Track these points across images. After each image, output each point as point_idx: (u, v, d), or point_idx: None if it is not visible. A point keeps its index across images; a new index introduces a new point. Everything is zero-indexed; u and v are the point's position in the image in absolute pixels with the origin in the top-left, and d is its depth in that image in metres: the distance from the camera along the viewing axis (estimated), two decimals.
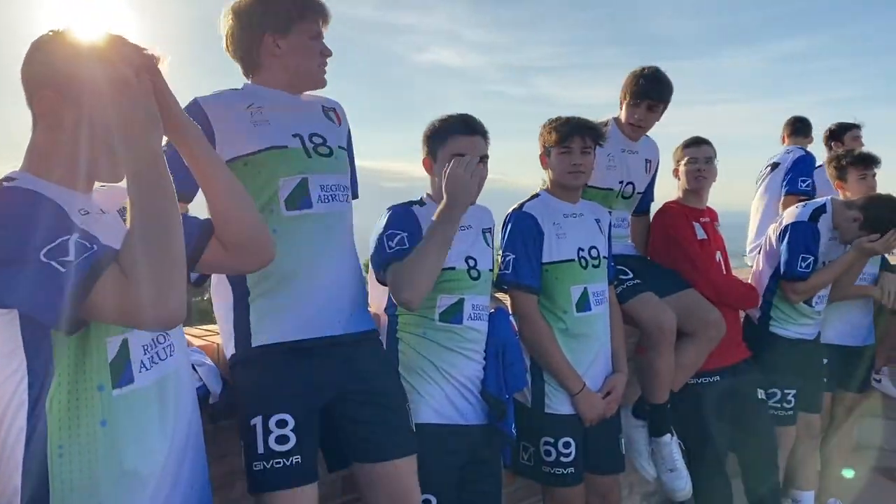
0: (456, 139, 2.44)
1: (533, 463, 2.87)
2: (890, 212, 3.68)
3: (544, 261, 2.85)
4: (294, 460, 2.05)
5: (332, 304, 2.17)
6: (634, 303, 3.20)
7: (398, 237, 2.36)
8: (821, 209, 3.79)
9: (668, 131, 3.68)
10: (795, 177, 5.15)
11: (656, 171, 3.73)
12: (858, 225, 3.69)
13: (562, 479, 2.83)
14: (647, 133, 3.57)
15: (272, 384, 2.09)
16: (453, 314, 2.46)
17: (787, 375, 3.79)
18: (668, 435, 3.26)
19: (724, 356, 3.52)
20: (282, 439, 2.05)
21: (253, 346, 2.11)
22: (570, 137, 2.86)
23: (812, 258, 3.65)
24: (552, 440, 2.82)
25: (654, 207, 3.77)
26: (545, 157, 2.96)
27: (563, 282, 2.85)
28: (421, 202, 2.54)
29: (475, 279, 2.51)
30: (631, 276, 3.26)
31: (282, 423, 2.05)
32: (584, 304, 2.87)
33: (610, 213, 3.42)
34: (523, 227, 2.84)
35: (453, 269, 2.45)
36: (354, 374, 2.19)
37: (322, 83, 2.26)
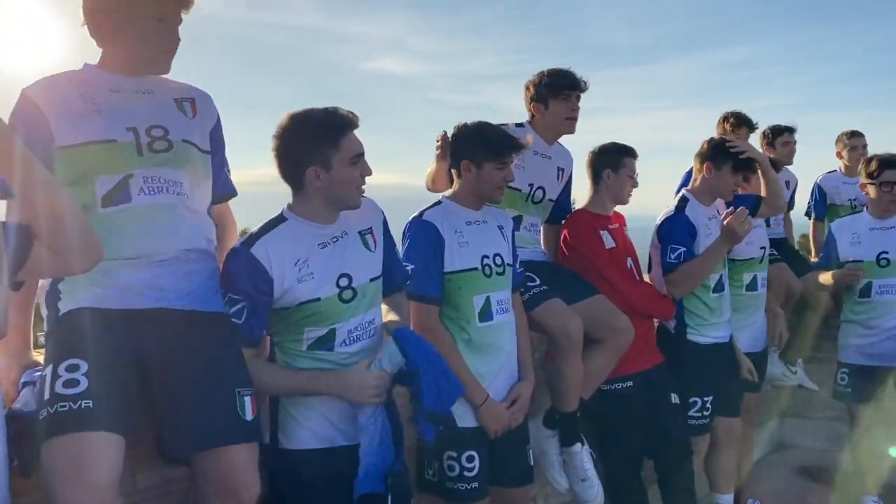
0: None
1: (437, 479, 2.78)
2: (717, 144, 3.82)
3: (446, 270, 2.77)
4: (84, 404, 1.80)
5: (151, 280, 2.07)
6: (541, 310, 3.15)
7: None
8: (683, 199, 3.82)
9: (615, 137, 3.67)
10: None
11: (570, 180, 3.71)
12: (726, 172, 3.74)
13: (466, 495, 2.74)
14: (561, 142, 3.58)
15: (70, 338, 1.96)
16: (323, 343, 2.33)
17: (706, 382, 3.78)
18: (579, 444, 3.22)
19: (638, 361, 3.50)
20: (70, 383, 1.84)
21: (60, 314, 2.02)
22: (508, 155, 2.81)
23: (682, 248, 3.63)
24: (455, 454, 2.74)
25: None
26: (469, 165, 2.82)
27: (466, 291, 2.78)
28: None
29: (348, 301, 2.34)
30: (538, 282, 3.22)
31: (73, 368, 1.87)
32: (486, 313, 2.80)
33: (521, 217, 3.38)
34: (423, 236, 2.76)
35: (318, 300, 2.28)
36: (168, 346, 2.06)
37: (164, 68, 2.22)
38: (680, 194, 3.89)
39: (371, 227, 2.46)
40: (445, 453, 2.74)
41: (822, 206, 5.85)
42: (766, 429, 5.65)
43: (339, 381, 2.25)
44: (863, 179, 4.22)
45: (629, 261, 3.65)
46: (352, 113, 2.26)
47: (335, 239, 2.34)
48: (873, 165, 4.13)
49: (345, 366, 2.31)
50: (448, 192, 2.93)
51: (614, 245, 3.57)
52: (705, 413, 3.79)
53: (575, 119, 3.45)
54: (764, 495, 4.61)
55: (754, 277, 4.11)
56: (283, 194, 2.37)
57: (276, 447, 2.32)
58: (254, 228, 2.33)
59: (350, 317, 2.34)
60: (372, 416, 2.26)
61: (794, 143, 5.43)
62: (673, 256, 3.65)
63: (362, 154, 2.28)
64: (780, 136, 5.40)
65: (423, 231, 2.77)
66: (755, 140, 5.48)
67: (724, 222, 3.57)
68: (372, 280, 2.42)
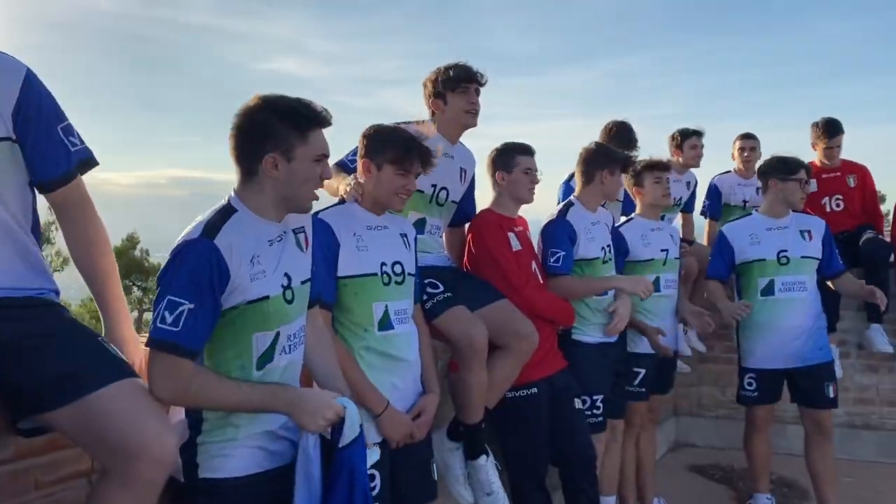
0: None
1: None
2: (598, 150, 3.87)
3: (342, 274, 2.58)
4: None
5: None
6: (445, 317, 3.02)
7: None
8: (568, 204, 3.83)
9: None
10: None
11: (472, 183, 3.60)
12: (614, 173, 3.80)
13: None
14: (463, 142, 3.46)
15: None
16: (270, 354, 2.12)
17: (593, 381, 3.76)
18: (484, 456, 3.10)
19: (542, 366, 3.43)
20: None
21: None
22: (410, 161, 2.65)
23: (561, 252, 3.63)
24: None
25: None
26: (370, 166, 2.66)
27: (364, 298, 2.61)
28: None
29: (290, 302, 2.15)
30: (442, 288, 3.08)
31: None
32: (386, 322, 2.64)
33: (424, 220, 3.24)
34: (315, 236, 2.56)
35: (268, 298, 2.06)
36: None
37: None
38: (566, 201, 3.89)
39: (304, 227, 2.27)
40: None
41: (718, 205, 5.96)
42: (662, 428, 5.74)
43: (296, 399, 2.02)
44: (762, 179, 4.29)
45: (533, 264, 3.57)
46: (326, 110, 2.10)
47: (279, 237, 2.14)
48: (778, 163, 4.22)
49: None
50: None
51: (520, 248, 3.49)
52: (596, 412, 3.77)
53: (475, 112, 3.32)
54: (661, 496, 4.64)
55: (656, 279, 4.11)
56: (181, 198, 2.12)
57: (196, 479, 2.03)
58: (201, 216, 2.05)
59: (292, 319, 2.15)
60: (315, 447, 2.04)
61: (702, 146, 5.56)
62: (552, 260, 3.64)
63: (328, 156, 2.12)
64: (688, 139, 5.53)
65: (315, 230, 2.57)
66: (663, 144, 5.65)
67: (634, 282, 3.70)
68: (303, 283, 2.22)
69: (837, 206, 5.59)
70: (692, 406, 6.02)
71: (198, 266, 1.93)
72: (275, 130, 2.03)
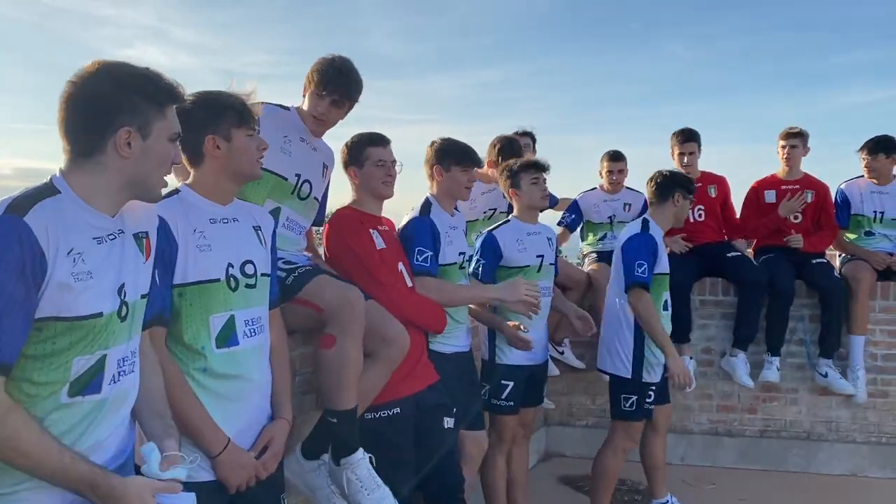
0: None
1: None
2: (441, 146, 3.61)
3: (177, 281, 2.13)
4: None
5: None
6: (313, 286, 2.68)
7: None
8: (426, 203, 3.59)
9: None
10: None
11: (328, 184, 3.27)
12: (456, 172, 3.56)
13: None
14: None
15: None
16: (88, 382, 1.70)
17: (449, 393, 3.45)
18: (361, 450, 2.74)
19: (408, 382, 3.10)
20: None
21: None
22: (253, 117, 2.30)
23: (429, 252, 3.38)
24: None
25: None
26: (216, 140, 2.23)
27: (201, 308, 2.17)
28: None
29: (124, 318, 1.76)
30: (300, 264, 2.79)
31: None
32: (228, 336, 2.20)
33: (279, 210, 2.87)
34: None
35: (101, 315, 1.68)
36: None
37: None
38: (424, 200, 3.62)
39: (147, 232, 1.88)
40: None
41: (578, 221, 5.98)
42: (532, 438, 5.58)
43: (113, 495, 1.63)
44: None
45: (400, 265, 3.24)
46: (181, 85, 1.82)
47: (112, 236, 1.72)
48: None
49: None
50: (189, 179, 2.30)
51: (385, 247, 3.15)
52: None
53: (318, 119, 2.99)
54: None
55: None
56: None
57: None
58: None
59: (124, 341, 1.76)
60: None
61: (531, 147, 5.50)
62: (420, 259, 3.35)
63: (181, 136, 1.85)
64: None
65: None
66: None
67: (514, 283, 3.50)
68: (142, 297, 1.83)
69: (700, 216, 5.62)
70: (563, 415, 5.91)
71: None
72: (129, 102, 1.71)
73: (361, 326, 2.70)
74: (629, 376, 4.10)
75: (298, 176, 2.92)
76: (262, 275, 2.33)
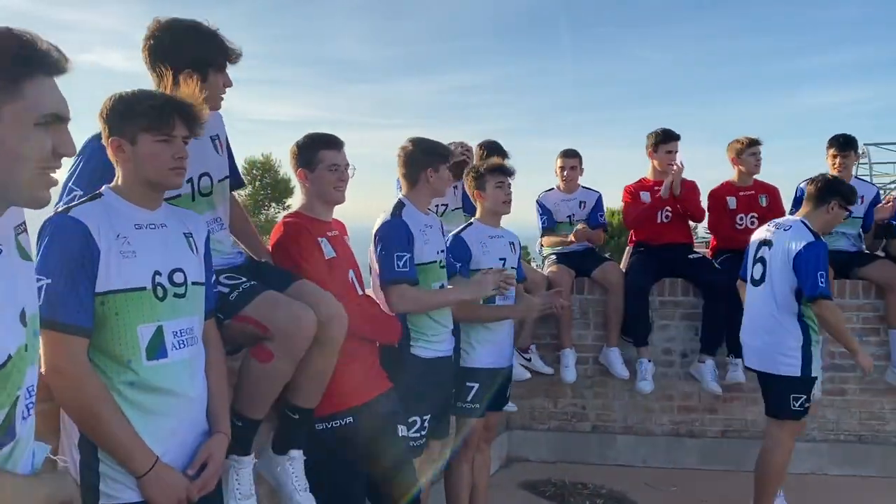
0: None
1: None
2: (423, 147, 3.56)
3: (99, 289, 2.01)
4: None
5: None
6: (259, 303, 2.52)
7: None
8: (398, 204, 3.51)
9: (350, 152, 3.15)
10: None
11: (229, 146, 2.99)
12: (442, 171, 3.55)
13: None
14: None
15: None
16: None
17: (426, 400, 3.45)
18: (252, 456, 2.64)
19: (361, 391, 3.00)
20: None
21: None
22: (170, 122, 2.09)
23: (407, 255, 3.33)
24: None
25: None
26: (123, 144, 2.09)
27: (127, 318, 2.04)
28: None
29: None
30: (244, 279, 2.61)
31: None
32: (157, 348, 2.07)
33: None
34: (65, 243, 2.00)
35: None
36: None
37: None
38: (396, 202, 3.54)
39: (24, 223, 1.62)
40: None
41: (552, 219, 5.90)
42: (494, 444, 5.51)
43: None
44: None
45: (351, 273, 3.14)
46: (59, 49, 1.40)
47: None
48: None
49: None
50: (112, 182, 2.17)
51: (334, 255, 3.03)
52: (423, 433, 3.48)
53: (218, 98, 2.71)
54: None
55: None
56: None
57: None
58: None
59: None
60: None
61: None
62: (401, 264, 3.30)
63: (65, 119, 1.41)
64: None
65: (66, 234, 2.00)
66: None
67: (482, 278, 3.54)
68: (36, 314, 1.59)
69: (667, 218, 5.62)
70: (525, 419, 5.85)
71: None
72: None
73: (304, 350, 2.59)
74: (799, 375, 4.16)
75: (191, 180, 2.63)
76: (194, 283, 2.19)
